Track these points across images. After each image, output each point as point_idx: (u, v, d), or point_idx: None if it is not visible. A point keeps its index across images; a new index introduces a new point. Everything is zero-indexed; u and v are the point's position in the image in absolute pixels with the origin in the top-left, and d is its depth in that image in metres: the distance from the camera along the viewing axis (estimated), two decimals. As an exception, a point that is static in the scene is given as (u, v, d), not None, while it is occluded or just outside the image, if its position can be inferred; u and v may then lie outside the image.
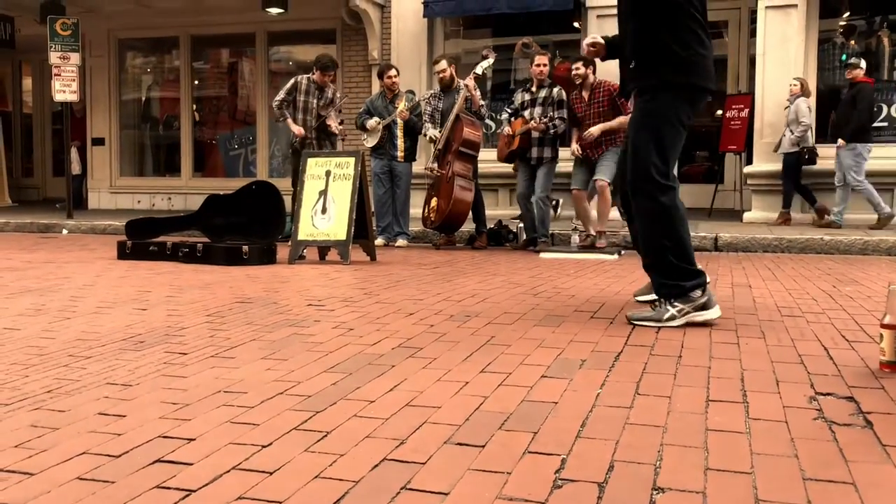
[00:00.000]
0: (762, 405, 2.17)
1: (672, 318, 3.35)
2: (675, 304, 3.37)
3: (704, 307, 3.38)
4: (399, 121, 7.91)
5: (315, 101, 7.76)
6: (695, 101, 3.55)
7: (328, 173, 6.36)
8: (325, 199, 6.31)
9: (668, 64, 3.44)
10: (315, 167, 6.44)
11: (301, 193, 6.39)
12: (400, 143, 7.98)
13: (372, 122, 7.97)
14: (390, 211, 8.03)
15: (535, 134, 7.32)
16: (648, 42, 3.49)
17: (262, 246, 6.19)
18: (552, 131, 7.29)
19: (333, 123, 7.81)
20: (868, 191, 8.12)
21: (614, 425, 1.99)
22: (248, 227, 6.66)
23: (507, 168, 7.96)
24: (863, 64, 8.30)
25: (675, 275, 3.41)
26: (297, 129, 7.74)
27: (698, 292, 3.38)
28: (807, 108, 8.54)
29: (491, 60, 7.96)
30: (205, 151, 13.50)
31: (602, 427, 1.98)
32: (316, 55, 8.34)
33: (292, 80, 7.87)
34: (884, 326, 2.53)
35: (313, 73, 7.78)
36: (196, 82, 13.48)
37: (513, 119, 7.53)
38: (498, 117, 7.66)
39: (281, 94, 7.82)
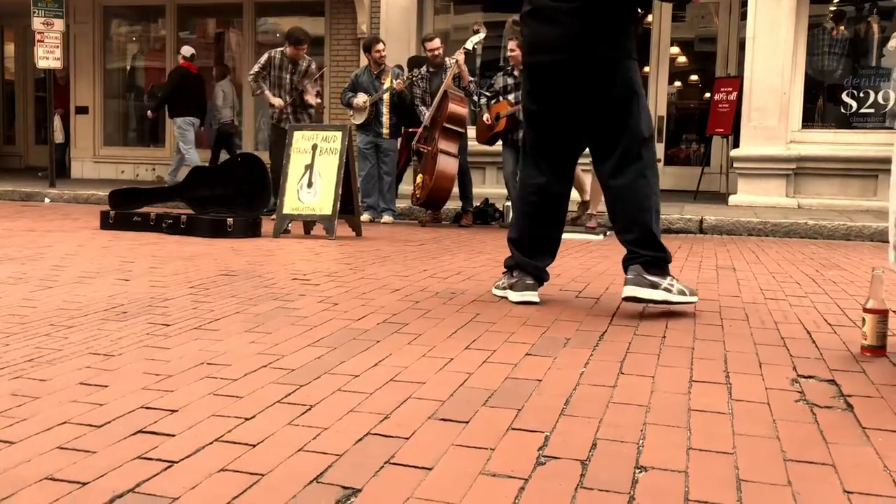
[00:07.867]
0: (745, 387, 2.18)
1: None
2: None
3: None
4: (385, 97, 7.82)
5: (288, 75, 7.67)
6: (530, 77, 3.42)
7: (315, 147, 6.31)
8: (311, 173, 6.27)
9: None
10: (301, 140, 6.38)
11: (287, 167, 6.34)
12: (385, 119, 7.89)
13: (359, 101, 7.85)
14: (376, 187, 7.99)
15: (521, 115, 7.27)
16: None
17: (246, 219, 6.16)
18: None
19: (310, 96, 7.73)
20: None
21: (598, 404, 2.00)
22: (233, 200, 6.62)
23: (495, 147, 7.93)
24: None
25: None
26: (277, 101, 7.64)
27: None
28: None
29: (482, 35, 7.83)
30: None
31: (586, 405, 1.99)
32: (299, 28, 8.18)
33: (266, 55, 7.74)
34: (866, 311, 2.55)
35: (286, 48, 7.66)
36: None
37: (492, 102, 7.46)
38: (478, 103, 7.57)
39: (255, 68, 7.72)
